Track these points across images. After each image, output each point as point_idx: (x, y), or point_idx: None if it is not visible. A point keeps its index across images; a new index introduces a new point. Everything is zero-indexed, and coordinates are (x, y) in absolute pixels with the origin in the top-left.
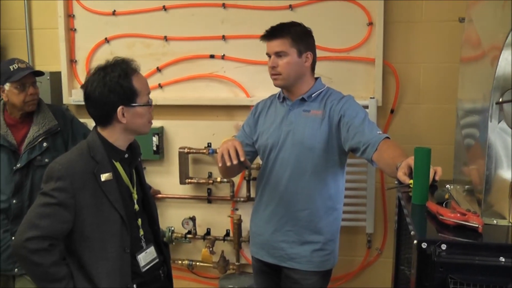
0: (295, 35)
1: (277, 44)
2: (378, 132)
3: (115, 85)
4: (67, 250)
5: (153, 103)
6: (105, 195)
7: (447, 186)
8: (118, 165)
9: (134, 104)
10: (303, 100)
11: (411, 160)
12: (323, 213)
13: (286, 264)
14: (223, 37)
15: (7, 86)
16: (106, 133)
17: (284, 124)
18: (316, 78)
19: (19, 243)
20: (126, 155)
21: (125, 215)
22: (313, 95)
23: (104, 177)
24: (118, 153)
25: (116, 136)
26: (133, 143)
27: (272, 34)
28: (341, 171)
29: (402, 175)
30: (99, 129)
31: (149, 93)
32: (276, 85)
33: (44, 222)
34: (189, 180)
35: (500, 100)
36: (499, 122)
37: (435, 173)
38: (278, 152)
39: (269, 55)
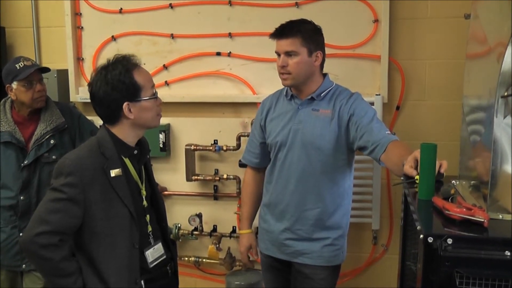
0: (306, 34)
1: (287, 44)
2: (386, 132)
3: (117, 82)
4: (76, 245)
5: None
6: (114, 190)
7: (453, 181)
8: (127, 161)
9: (139, 99)
10: (312, 99)
11: (417, 153)
12: (333, 210)
13: (298, 260)
14: (229, 35)
15: (14, 84)
16: (116, 130)
17: (292, 123)
18: (324, 75)
19: (28, 238)
20: (136, 152)
21: (134, 211)
22: (322, 94)
23: (113, 173)
24: (127, 149)
25: (125, 133)
26: (142, 139)
27: (282, 32)
28: (349, 169)
29: (408, 168)
30: (108, 127)
31: (153, 86)
32: (285, 85)
33: (54, 217)
34: (196, 177)
35: (505, 93)
36: (504, 117)
37: (440, 165)
38: (287, 152)
39: (278, 54)
